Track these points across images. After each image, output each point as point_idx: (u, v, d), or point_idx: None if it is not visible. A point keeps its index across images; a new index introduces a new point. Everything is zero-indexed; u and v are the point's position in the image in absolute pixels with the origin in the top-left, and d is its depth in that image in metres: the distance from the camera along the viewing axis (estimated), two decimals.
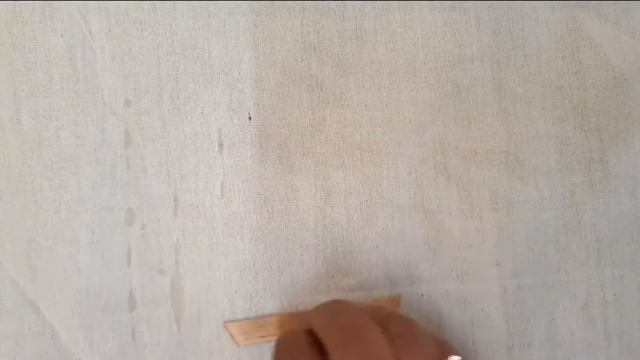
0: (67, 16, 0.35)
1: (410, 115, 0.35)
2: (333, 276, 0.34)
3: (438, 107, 0.35)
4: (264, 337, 0.34)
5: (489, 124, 0.34)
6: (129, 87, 0.35)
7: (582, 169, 0.34)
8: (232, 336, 0.34)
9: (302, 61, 0.35)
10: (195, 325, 0.34)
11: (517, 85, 0.34)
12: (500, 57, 0.34)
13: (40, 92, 0.35)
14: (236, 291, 0.34)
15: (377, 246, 0.34)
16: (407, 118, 0.35)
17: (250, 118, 0.35)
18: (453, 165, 0.34)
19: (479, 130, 0.34)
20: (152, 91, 0.35)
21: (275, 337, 0.33)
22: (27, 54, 0.35)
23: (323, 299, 0.34)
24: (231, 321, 0.34)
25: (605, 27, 0.34)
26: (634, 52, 0.34)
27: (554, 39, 0.34)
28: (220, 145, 0.34)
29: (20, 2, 0.35)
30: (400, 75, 0.35)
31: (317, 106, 0.35)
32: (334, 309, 0.29)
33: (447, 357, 0.28)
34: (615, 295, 0.33)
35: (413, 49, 0.35)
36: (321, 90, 0.35)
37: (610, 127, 0.34)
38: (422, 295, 0.34)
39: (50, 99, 0.35)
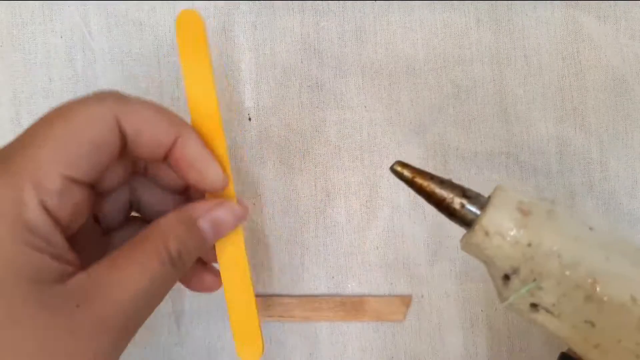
0: (67, 17, 0.35)
1: (410, 116, 0.35)
2: (333, 277, 0.34)
3: (438, 108, 0.35)
4: (271, 317, 0.34)
5: (489, 125, 0.34)
6: (129, 89, 0.35)
7: (582, 169, 0.34)
8: None
9: (302, 62, 0.35)
10: (195, 326, 0.34)
11: (517, 86, 0.34)
12: (500, 58, 0.34)
13: (40, 94, 0.35)
14: None
15: (377, 247, 0.34)
16: (407, 119, 0.35)
17: (250, 119, 0.35)
18: (453, 166, 0.34)
19: (479, 131, 0.34)
20: (152, 92, 0.35)
21: (282, 319, 0.34)
22: (27, 55, 0.35)
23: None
24: None
25: (605, 28, 0.34)
26: (633, 53, 0.34)
27: (554, 40, 0.34)
28: None
29: (20, 3, 0.35)
30: (400, 76, 0.35)
31: (317, 107, 0.35)
32: None
33: None
34: None
35: (413, 50, 0.35)
36: (321, 91, 0.35)
37: (609, 128, 0.34)
38: (422, 296, 0.34)
39: (50, 100, 0.35)
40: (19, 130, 0.35)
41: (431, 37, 0.35)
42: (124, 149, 0.23)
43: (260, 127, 0.35)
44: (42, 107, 0.35)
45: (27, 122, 0.35)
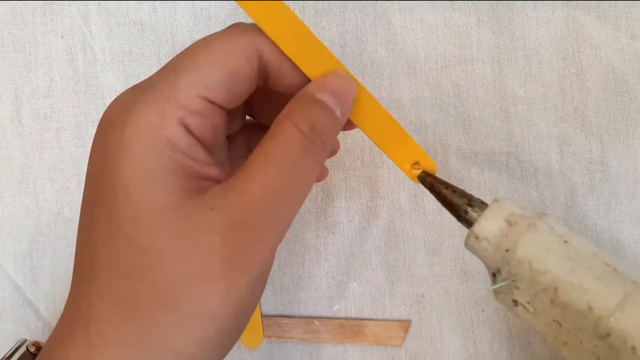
0: (68, 17, 0.35)
1: (411, 116, 0.35)
2: (334, 277, 0.34)
3: (439, 107, 0.35)
4: (270, 337, 0.34)
5: (490, 125, 0.34)
6: None
7: (583, 170, 0.34)
8: None
9: None
10: None
11: (518, 86, 0.34)
12: (501, 58, 0.34)
13: (41, 94, 0.35)
14: None
15: (377, 247, 0.34)
16: (407, 119, 0.35)
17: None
18: (454, 166, 0.34)
19: (479, 131, 0.34)
20: None
21: (280, 340, 0.34)
22: (28, 56, 0.35)
23: (324, 299, 0.34)
24: None
25: (605, 28, 0.34)
26: (634, 53, 0.34)
27: (554, 40, 0.34)
28: None
29: (21, 4, 0.35)
30: (401, 76, 0.35)
31: None
32: None
33: None
34: None
35: (413, 49, 0.35)
36: None
37: (610, 128, 0.34)
38: (423, 295, 0.34)
39: (51, 100, 0.35)
40: (19, 130, 0.35)
41: (432, 37, 0.35)
42: (266, 81, 0.24)
43: None
44: (43, 107, 0.35)
45: (28, 122, 0.35)
